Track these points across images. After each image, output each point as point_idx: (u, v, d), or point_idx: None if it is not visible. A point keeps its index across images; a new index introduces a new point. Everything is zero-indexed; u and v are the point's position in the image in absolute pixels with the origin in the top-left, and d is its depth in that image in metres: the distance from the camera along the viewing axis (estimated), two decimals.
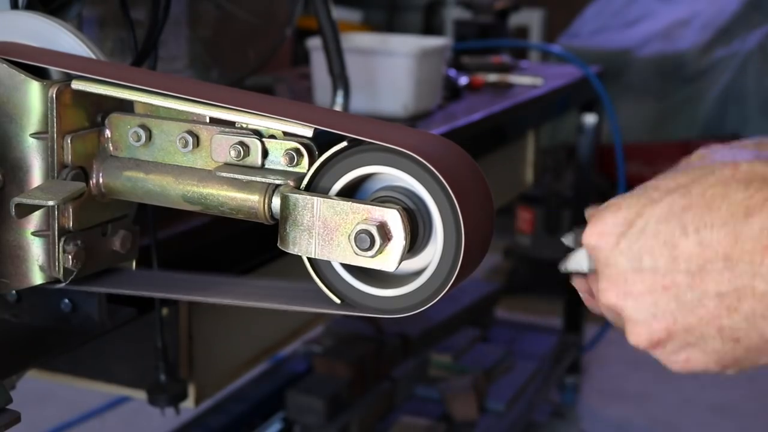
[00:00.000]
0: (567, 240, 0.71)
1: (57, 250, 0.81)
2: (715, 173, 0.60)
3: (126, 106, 0.83)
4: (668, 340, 0.62)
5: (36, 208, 0.77)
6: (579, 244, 0.68)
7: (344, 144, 0.74)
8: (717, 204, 0.58)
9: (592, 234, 0.64)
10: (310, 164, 0.75)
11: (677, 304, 0.60)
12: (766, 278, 0.57)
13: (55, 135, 0.80)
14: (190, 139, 0.79)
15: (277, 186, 0.76)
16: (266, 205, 0.76)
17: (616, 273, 0.62)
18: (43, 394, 2.65)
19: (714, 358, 0.61)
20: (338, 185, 0.74)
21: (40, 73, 0.81)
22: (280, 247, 0.75)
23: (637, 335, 0.62)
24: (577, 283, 0.71)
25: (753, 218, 0.57)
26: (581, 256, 0.68)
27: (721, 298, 0.58)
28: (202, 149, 0.79)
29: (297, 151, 0.76)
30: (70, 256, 0.81)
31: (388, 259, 0.71)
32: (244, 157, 0.77)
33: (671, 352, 0.63)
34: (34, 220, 0.81)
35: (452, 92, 1.96)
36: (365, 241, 0.71)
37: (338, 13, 1.59)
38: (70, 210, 0.82)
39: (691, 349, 0.61)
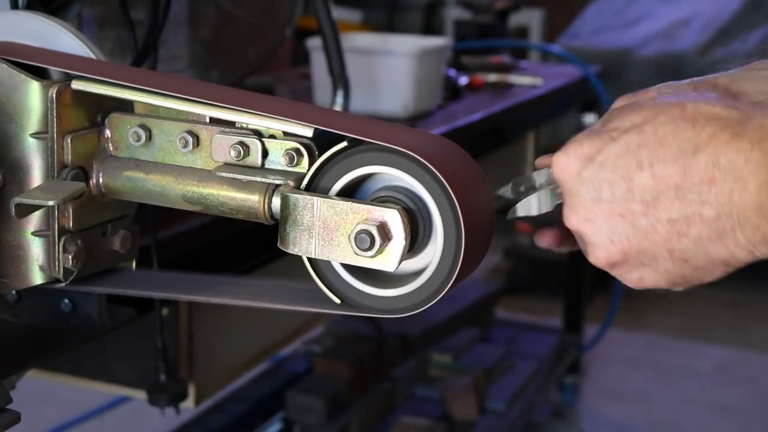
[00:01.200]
0: (504, 192, 0.78)
1: (57, 250, 0.81)
2: (665, 113, 0.66)
3: (126, 106, 0.83)
4: (624, 262, 0.68)
5: (36, 208, 0.77)
6: (519, 192, 0.77)
7: (344, 144, 0.74)
8: (668, 141, 0.65)
9: (558, 165, 0.70)
10: (310, 164, 0.75)
11: (633, 230, 0.67)
12: (712, 206, 0.63)
13: (55, 135, 0.80)
14: (190, 139, 0.79)
15: (277, 186, 0.76)
16: (266, 205, 0.76)
17: (577, 201, 0.69)
18: (43, 394, 2.65)
19: (665, 277, 0.68)
20: (338, 185, 0.74)
21: (40, 73, 0.81)
22: (280, 247, 0.75)
23: (596, 257, 0.69)
24: (545, 239, 0.79)
25: (700, 154, 0.63)
26: (531, 201, 0.75)
27: (672, 224, 0.65)
28: (202, 149, 0.79)
29: (297, 151, 0.76)
30: (70, 256, 0.81)
31: (388, 259, 0.71)
32: (244, 157, 0.77)
33: (627, 272, 0.69)
34: (34, 220, 0.81)
35: (452, 92, 1.96)
36: (365, 241, 0.71)
37: (338, 13, 1.59)
38: (70, 210, 0.82)
39: (644, 269, 0.68)
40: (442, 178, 0.70)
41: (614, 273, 0.70)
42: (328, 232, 0.73)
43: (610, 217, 0.67)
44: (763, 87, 0.73)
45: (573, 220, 0.69)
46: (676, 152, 0.64)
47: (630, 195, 0.66)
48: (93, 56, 0.86)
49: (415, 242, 0.73)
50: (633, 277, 0.69)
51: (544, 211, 0.75)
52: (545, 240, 0.78)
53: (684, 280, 0.68)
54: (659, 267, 0.67)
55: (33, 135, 0.80)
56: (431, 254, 0.73)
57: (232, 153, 0.77)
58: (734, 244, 0.63)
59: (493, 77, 2.20)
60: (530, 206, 0.75)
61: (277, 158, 0.76)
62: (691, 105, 0.65)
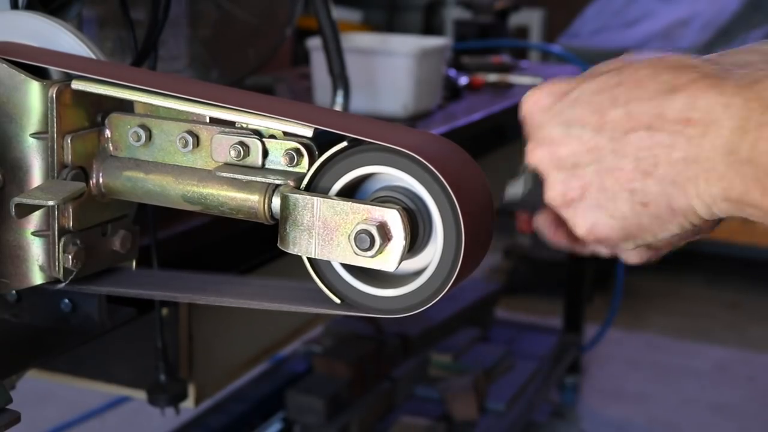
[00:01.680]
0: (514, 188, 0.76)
1: (57, 250, 0.81)
2: (645, 60, 0.65)
3: (126, 106, 0.83)
4: (581, 200, 0.65)
5: (36, 208, 0.77)
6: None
7: (344, 144, 0.74)
8: (646, 83, 0.63)
9: (528, 100, 0.69)
10: (310, 164, 0.75)
11: (597, 165, 0.64)
12: (683, 148, 0.60)
13: (55, 135, 0.80)
14: (190, 139, 0.79)
15: (277, 186, 0.76)
16: (266, 205, 0.76)
17: (545, 135, 0.67)
18: (43, 394, 2.65)
19: (620, 224, 0.65)
20: (338, 185, 0.74)
21: (40, 73, 0.81)
22: (280, 247, 0.75)
23: (554, 191, 0.67)
24: (540, 220, 0.74)
25: (678, 94, 0.61)
26: (517, 184, 0.74)
27: (638, 161, 0.62)
28: (202, 149, 0.79)
29: (297, 151, 0.76)
30: (70, 256, 0.81)
31: (388, 259, 0.71)
32: (244, 157, 0.77)
33: (581, 214, 0.66)
34: (34, 220, 0.81)
35: (452, 92, 1.96)
36: (365, 241, 0.71)
37: (338, 13, 1.59)
38: (70, 210, 0.82)
39: (599, 212, 0.65)
40: (442, 178, 0.70)
41: (567, 215, 0.67)
42: (328, 232, 0.73)
43: (577, 151, 0.65)
44: (745, 58, 0.69)
45: (536, 154, 0.67)
46: (653, 92, 0.62)
47: (600, 130, 0.64)
48: (93, 56, 0.86)
49: (415, 242, 0.73)
50: (586, 222, 0.66)
51: (526, 191, 0.73)
52: (541, 221, 0.73)
53: (639, 231, 0.64)
54: (616, 211, 0.64)
55: (33, 135, 0.80)
56: (431, 254, 0.73)
57: (232, 153, 0.77)
58: (695, 194, 0.61)
59: (493, 77, 2.20)
60: (516, 189, 0.74)
61: (277, 158, 0.76)
62: (672, 56, 0.64)
